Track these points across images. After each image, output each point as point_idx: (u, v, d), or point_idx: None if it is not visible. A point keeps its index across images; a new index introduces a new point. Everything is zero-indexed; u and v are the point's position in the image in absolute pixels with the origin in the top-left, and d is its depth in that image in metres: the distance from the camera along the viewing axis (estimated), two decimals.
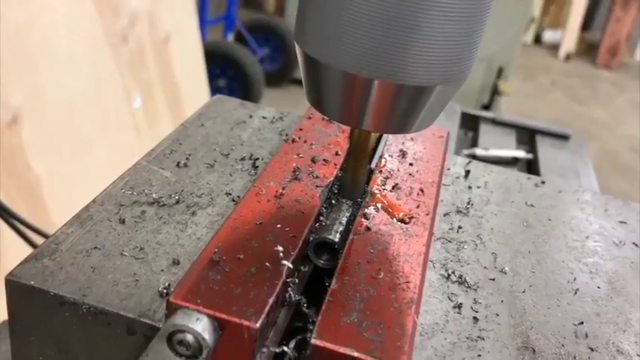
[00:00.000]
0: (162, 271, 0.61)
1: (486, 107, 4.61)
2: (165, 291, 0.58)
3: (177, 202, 0.72)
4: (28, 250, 1.41)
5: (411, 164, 0.83)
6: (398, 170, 0.81)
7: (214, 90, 4.04)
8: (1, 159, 1.83)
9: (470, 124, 1.82)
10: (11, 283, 0.57)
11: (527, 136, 1.80)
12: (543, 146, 1.71)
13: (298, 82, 5.27)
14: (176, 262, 0.62)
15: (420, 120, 0.62)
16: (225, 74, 4.43)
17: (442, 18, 0.53)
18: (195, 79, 3.12)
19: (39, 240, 1.43)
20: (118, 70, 2.43)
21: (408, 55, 0.54)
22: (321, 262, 0.67)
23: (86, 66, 2.23)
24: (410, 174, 0.80)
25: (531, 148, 1.73)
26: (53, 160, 2.04)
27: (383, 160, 0.83)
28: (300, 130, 0.86)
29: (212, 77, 3.87)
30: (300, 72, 0.64)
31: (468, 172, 0.92)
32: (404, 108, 0.59)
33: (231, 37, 5.01)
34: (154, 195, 0.72)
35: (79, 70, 2.19)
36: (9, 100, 1.87)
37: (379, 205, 0.72)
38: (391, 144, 0.87)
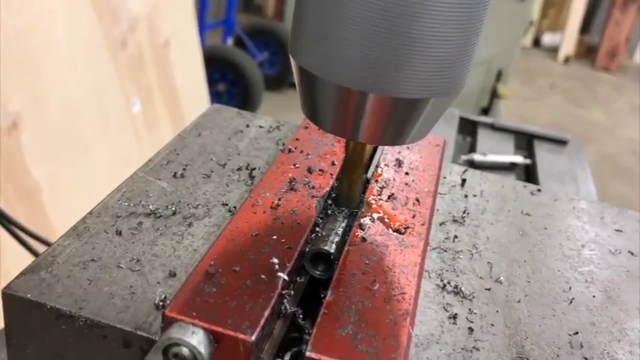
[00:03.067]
0: (158, 283, 0.62)
1: (485, 110, 4.62)
2: (161, 303, 0.59)
3: (174, 213, 0.72)
4: (27, 256, 1.42)
5: (407, 173, 0.83)
6: (394, 180, 0.81)
7: (214, 94, 4.05)
8: (1, 164, 1.84)
9: (468, 129, 1.82)
10: (8, 296, 0.58)
11: (526, 141, 1.80)
12: (541, 151, 1.71)
13: None
14: (172, 274, 0.63)
15: (415, 132, 0.62)
16: (225, 78, 4.44)
17: (436, 32, 0.54)
18: (194, 84, 3.13)
19: (38, 246, 1.43)
20: (118, 74, 2.44)
21: (403, 68, 0.55)
22: (317, 272, 0.67)
23: (86, 71, 2.23)
24: (406, 183, 0.81)
25: (529, 153, 1.74)
26: (52, 164, 2.05)
27: (379, 170, 0.83)
28: (297, 139, 0.86)
29: (211, 82, 3.88)
30: (296, 84, 0.64)
31: (464, 181, 0.92)
32: (398, 120, 0.59)
33: (230, 42, 5.02)
34: (150, 206, 0.72)
35: (78, 75, 2.19)
36: (8, 105, 1.87)
37: (375, 215, 0.73)
38: (387, 153, 0.87)
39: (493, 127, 1.81)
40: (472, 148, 1.73)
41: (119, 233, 0.67)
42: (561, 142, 1.78)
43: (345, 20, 0.54)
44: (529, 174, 1.64)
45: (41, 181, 1.99)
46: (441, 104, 0.60)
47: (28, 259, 1.43)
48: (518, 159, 1.63)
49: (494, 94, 4.62)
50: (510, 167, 1.61)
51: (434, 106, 0.60)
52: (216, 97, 4.29)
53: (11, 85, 1.89)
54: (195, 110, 3.01)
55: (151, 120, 2.65)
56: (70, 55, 2.15)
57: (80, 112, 2.20)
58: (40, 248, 1.42)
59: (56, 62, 2.09)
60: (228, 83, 4.47)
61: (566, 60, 7.70)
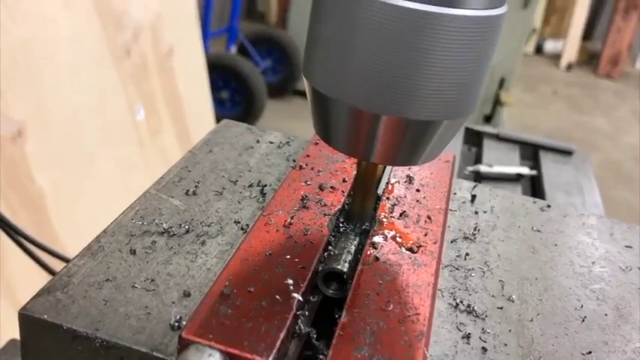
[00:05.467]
0: (173, 303, 0.62)
1: (488, 118, 4.63)
2: (176, 324, 0.59)
3: (187, 231, 0.72)
4: (29, 263, 1.42)
5: (417, 190, 0.83)
6: (405, 197, 0.81)
7: (217, 102, 4.05)
8: (5, 172, 1.84)
9: (473, 139, 1.83)
10: (24, 317, 0.58)
11: (531, 151, 1.80)
12: (547, 162, 1.71)
13: (301, 93, 5.29)
14: (187, 294, 0.63)
15: (428, 153, 0.62)
16: (228, 86, 4.45)
17: (450, 56, 0.54)
18: (198, 92, 3.14)
19: (40, 253, 1.43)
20: (122, 82, 2.45)
21: (416, 91, 0.55)
22: (330, 291, 0.67)
23: (90, 79, 2.24)
24: (417, 200, 0.81)
25: (535, 163, 1.74)
26: (57, 172, 2.05)
27: (390, 186, 0.83)
28: (307, 156, 0.86)
29: (215, 89, 3.89)
30: (309, 104, 0.64)
31: (474, 197, 0.92)
32: (411, 142, 0.60)
33: (234, 49, 5.04)
34: (164, 225, 0.72)
35: (82, 83, 2.20)
36: (13, 114, 1.88)
37: (387, 233, 0.73)
38: (397, 169, 0.87)
39: (498, 138, 1.81)
40: (478, 159, 1.73)
41: (133, 252, 0.68)
42: (567, 153, 1.78)
43: (360, 43, 0.54)
44: (535, 185, 1.64)
45: (45, 189, 2.00)
46: (453, 125, 0.61)
47: (30, 266, 1.43)
48: (525, 170, 1.63)
49: (497, 102, 4.63)
50: (516, 178, 1.61)
51: (447, 128, 0.60)
52: (219, 104, 4.30)
53: (15, 93, 1.89)
54: (198, 118, 3.02)
55: (154, 128, 2.66)
56: (73, 63, 2.16)
57: (84, 120, 2.20)
58: (44, 256, 1.43)
59: (60, 71, 2.10)
60: (231, 91, 4.48)
61: (569, 67, 7.71)
